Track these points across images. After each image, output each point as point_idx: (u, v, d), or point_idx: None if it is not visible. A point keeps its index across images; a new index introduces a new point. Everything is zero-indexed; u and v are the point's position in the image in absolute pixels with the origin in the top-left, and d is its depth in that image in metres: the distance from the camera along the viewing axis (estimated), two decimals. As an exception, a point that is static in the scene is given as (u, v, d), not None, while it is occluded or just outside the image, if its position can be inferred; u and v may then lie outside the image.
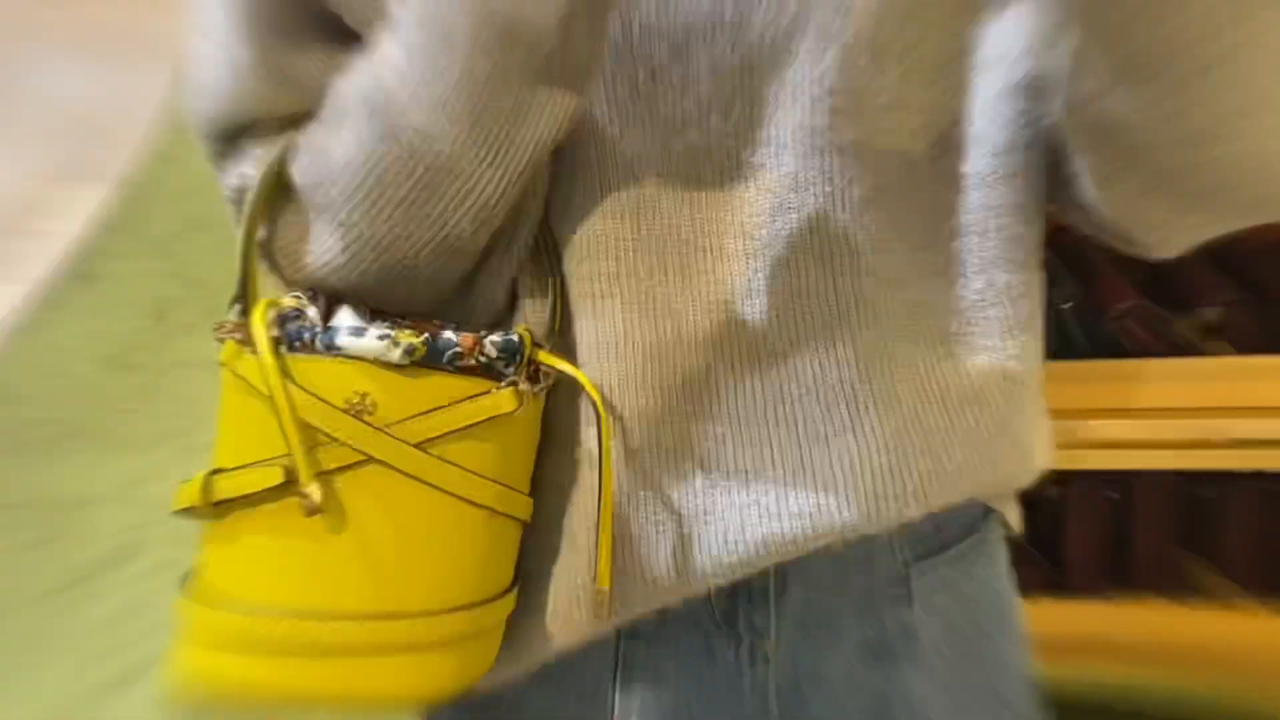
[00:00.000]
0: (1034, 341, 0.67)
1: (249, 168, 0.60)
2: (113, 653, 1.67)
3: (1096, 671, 1.32)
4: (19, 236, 2.66)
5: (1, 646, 1.67)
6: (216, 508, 0.55)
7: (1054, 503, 1.37)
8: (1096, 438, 1.28)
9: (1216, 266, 1.39)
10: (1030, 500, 1.36)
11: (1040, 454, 0.69)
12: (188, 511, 0.57)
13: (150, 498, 1.97)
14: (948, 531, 0.67)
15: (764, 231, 0.59)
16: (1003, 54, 0.59)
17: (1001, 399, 0.65)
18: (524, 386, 0.57)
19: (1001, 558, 0.72)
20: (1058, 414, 1.19)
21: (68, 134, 3.00)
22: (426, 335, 0.55)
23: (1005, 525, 0.72)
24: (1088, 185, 0.60)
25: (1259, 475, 1.34)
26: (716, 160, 0.60)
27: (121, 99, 3.15)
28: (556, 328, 0.61)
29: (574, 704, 0.66)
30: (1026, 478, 0.68)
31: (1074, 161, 0.60)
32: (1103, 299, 1.32)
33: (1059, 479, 1.31)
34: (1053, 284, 1.23)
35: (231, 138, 0.61)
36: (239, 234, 0.59)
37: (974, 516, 0.69)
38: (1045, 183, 0.64)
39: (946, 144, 0.61)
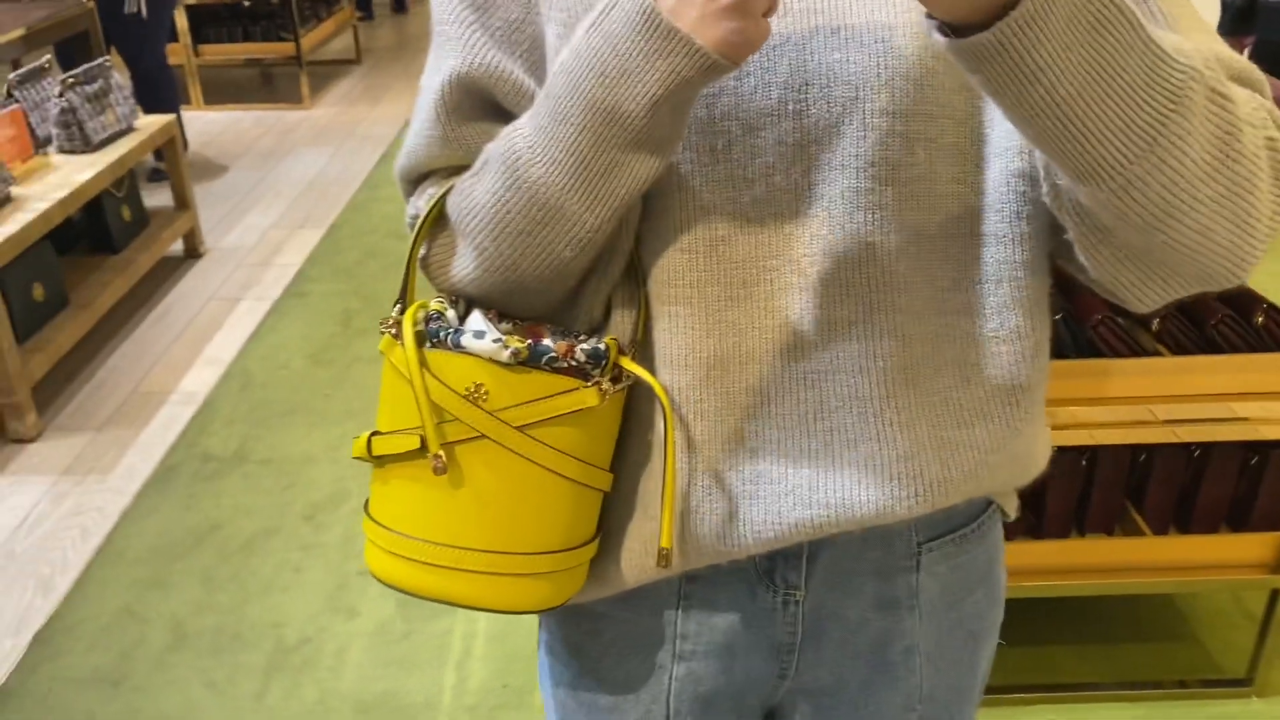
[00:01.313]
0: (1039, 373, 0.73)
1: (423, 202, 0.75)
2: (347, 559, 2.28)
3: (1062, 588, 1.76)
4: (266, 268, 3.47)
5: (278, 553, 2.33)
6: (376, 459, 0.71)
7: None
8: (1075, 420, 1.62)
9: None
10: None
11: (1039, 462, 0.78)
12: (359, 459, 0.72)
13: (347, 459, 2.63)
14: (955, 519, 0.79)
15: (815, 270, 0.68)
16: (1007, 147, 0.68)
17: (1006, 420, 0.73)
18: (606, 386, 0.68)
19: (996, 536, 0.83)
20: (1051, 404, 1.51)
21: (304, 196, 3.87)
22: (530, 342, 0.67)
23: (1004, 513, 0.84)
24: (1078, 252, 0.67)
25: (1181, 445, 1.70)
26: (777, 210, 0.68)
27: (339, 172, 4.05)
28: (639, 337, 0.71)
29: (647, 619, 0.79)
30: (1024, 481, 0.78)
31: (1067, 233, 0.66)
32: (1082, 312, 1.66)
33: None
34: None
35: (416, 181, 0.77)
36: (411, 250, 0.74)
37: (979, 506, 0.80)
38: (1051, 245, 0.71)
39: (968, 208, 0.69)
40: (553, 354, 0.68)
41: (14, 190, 2.85)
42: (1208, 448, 1.73)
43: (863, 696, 0.83)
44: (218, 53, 5.41)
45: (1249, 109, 0.61)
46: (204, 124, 5.14)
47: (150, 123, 3.50)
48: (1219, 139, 0.58)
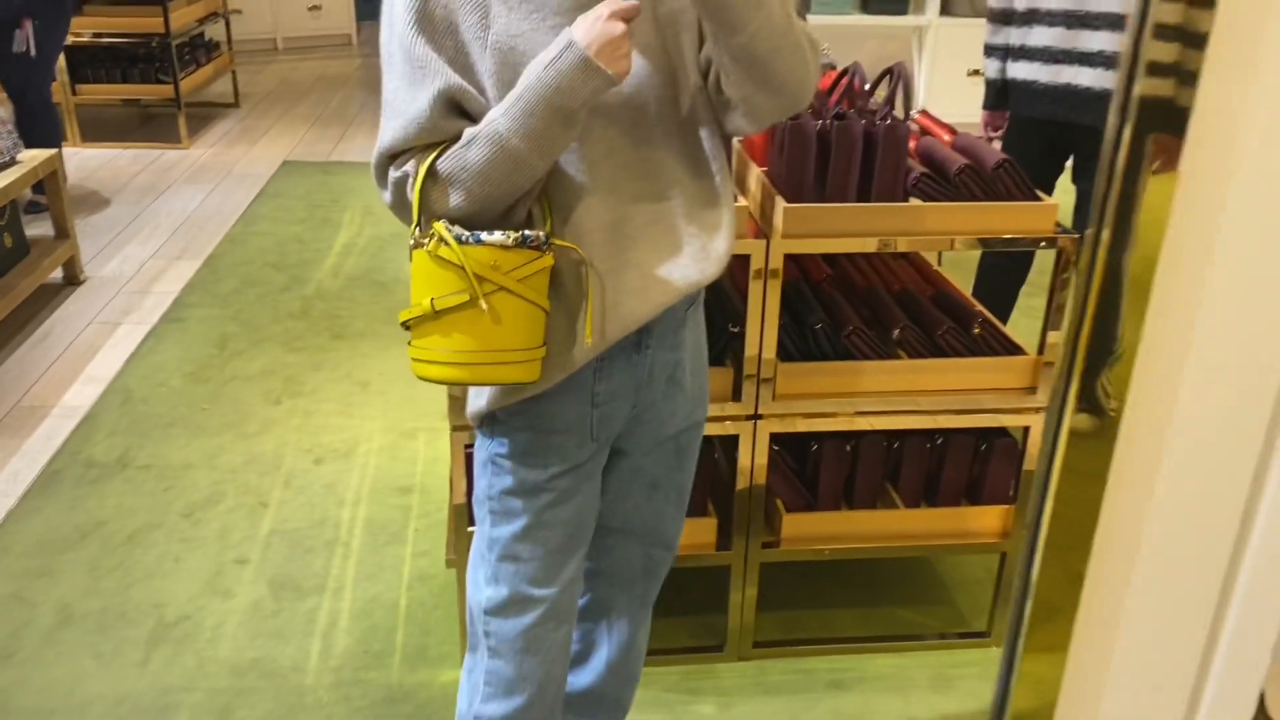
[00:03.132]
0: (729, 193, 1.39)
1: (408, 167, 1.26)
2: (224, 550, 2.51)
3: (834, 552, 2.14)
4: (145, 296, 3.71)
5: (160, 545, 2.55)
6: (437, 313, 1.25)
7: (813, 454, 2.13)
8: (838, 411, 2.01)
9: (899, 306, 2.16)
10: (797, 452, 2.26)
11: (731, 251, 1.40)
12: (416, 319, 1.26)
13: (224, 465, 2.88)
14: (693, 294, 1.41)
15: (644, 165, 1.32)
16: (699, 85, 1.34)
17: (723, 220, 1.37)
18: (552, 253, 1.28)
19: (703, 306, 1.51)
20: (815, 397, 2.04)
21: (182, 230, 4.11)
22: (521, 232, 1.25)
23: (702, 292, 1.48)
24: (731, 92, 1.30)
25: (924, 432, 2.12)
26: (623, 141, 1.31)
27: (216, 207, 4.32)
28: (549, 229, 1.29)
29: (576, 391, 1.37)
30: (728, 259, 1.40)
31: (724, 84, 1.30)
32: (839, 323, 2.05)
33: (816, 438, 2.10)
34: (810, 312, 2.07)
35: (396, 157, 1.27)
36: (414, 195, 1.26)
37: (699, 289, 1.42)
38: (722, 120, 1.36)
39: (695, 117, 1.35)
40: (530, 237, 1.25)
41: (-99, 216, 3.02)
42: (946, 436, 2.15)
43: (665, 404, 1.47)
44: (96, 92, 5.55)
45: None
46: (81, 160, 5.27)
47: (33, 156, 3.68)
48: (786, 14, 1.24)
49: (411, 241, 1.26)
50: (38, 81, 4.24)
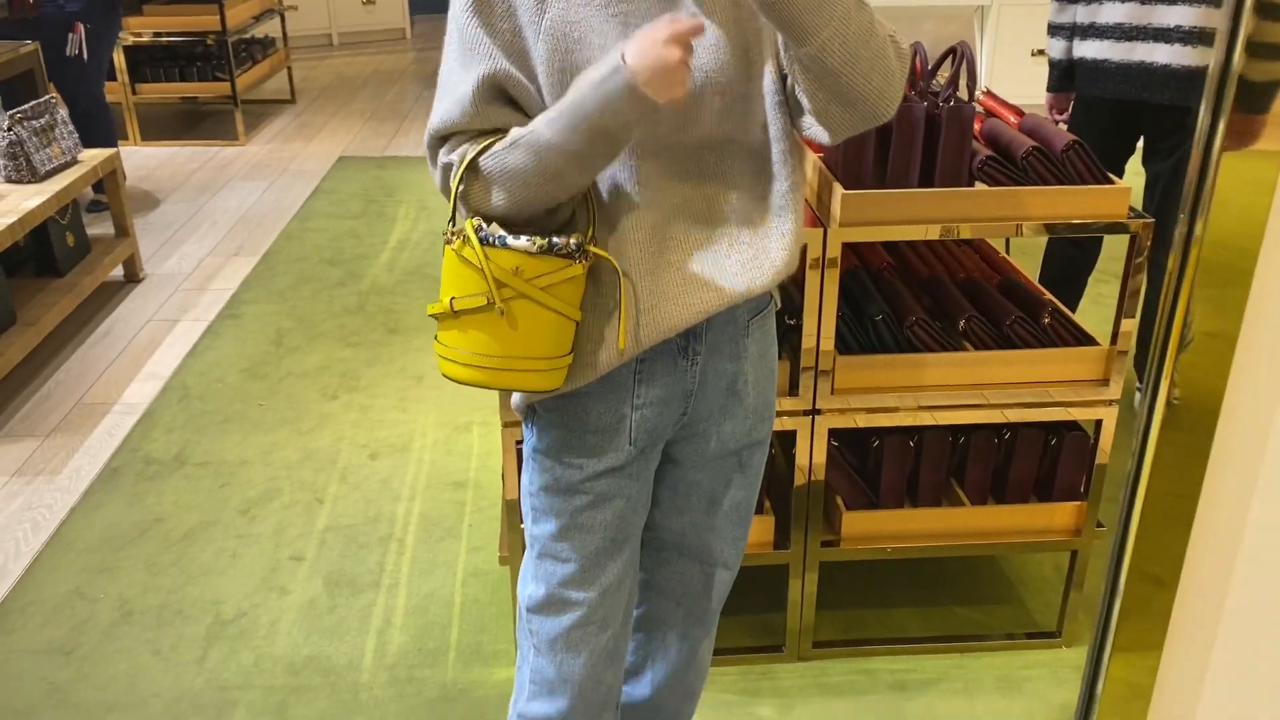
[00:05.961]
0: (800, 206, 1.31)
1: (454, 156, 1.21)
2: (279, 546, 2.51)
3: (897, 551, 2.07)
4: (202, 293, 3.74)
5: (216, 542, 2.56)
6: (455, 313, 1.21)
7: (874, 450, 2.07)
8: (900, 406, 1.94)
9: (964, 295, 2.09)
10: (858, 448, 2.19)
11: (796, 263, 1.33)
12: (438, 315, 1.22)
13: (279, 461, 2.88)
14: (761, 303, 1.37)
15: (697, 170, 1.26)
16: (769, 89, 1.25)
17: (787, 232, 1.30)
18: (584, 262, 1.22)
19: (773, 315, 1.43)
20: (876, 391, 1.98)
21: (238, 227, 4.14)
22: (549, 239, 1.19)
23: (775, 299, 1.43)
24: (805, 101, 1.21)
25: (990, 426, 2.04)
26: (676, 151, 1.25)
27: (272, 204, 4.35)
28: (591, 234, 1.24)
29: (617, 390, 1.31)
30: (791, 271, 1.32)
31: (798, 92, 1.22)
32: (901, 314, 1.99)
33: (877, 433, 2.05)
34: (870, 303, 2.02)
35: (445, 139, 1.24)
36: (453, 187, 1.22)
37: (767, 298, 1.40)
38: (794, 122, 1.28)
39: (762, 124, 1.27)
40: (559, 245, 1.19)
41: (-35, 216, 3.07)
42: (1014, 430, 2.07)
43: (722, 415, 1.40)
44: (155, 91, 5.62)
45: (877, 15, 1.18)
46: (141, 158, 5.34)
47: (93, 155, 3.72)
48: (866, 22, 1.14)
49: (445, 235, 1.23)
50: (90, 84, 4.29)
